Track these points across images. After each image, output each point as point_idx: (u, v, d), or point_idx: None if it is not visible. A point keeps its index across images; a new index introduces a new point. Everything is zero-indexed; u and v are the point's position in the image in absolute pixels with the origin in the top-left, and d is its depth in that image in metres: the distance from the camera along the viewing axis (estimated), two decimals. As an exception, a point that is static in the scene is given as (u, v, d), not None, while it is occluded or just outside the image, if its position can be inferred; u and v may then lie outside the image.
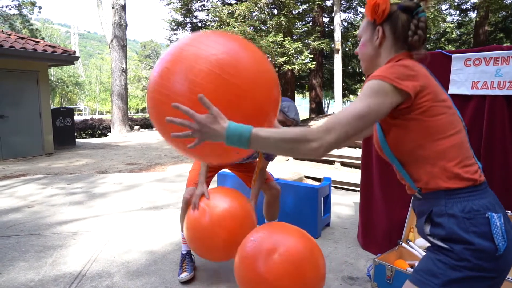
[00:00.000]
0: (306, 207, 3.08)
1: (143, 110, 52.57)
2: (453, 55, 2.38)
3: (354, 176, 5.40)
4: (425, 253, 1.03)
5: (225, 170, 2.82)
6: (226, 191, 2.26)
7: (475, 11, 13.62)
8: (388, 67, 0.97)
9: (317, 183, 5.79)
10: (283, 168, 6.48)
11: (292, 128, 0.95)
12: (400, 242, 2.42)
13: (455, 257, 0.91)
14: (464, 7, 14.72)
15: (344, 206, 4.12)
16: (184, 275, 2.27)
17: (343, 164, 6.47)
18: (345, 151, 6.71)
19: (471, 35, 15.43)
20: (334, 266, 2.53)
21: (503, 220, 0.92)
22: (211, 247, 2.07)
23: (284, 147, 0.94)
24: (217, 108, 0.99)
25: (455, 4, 13.94)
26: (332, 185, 4.85)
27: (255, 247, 1.72)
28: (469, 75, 2.32)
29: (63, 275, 2.40)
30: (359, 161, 6.05)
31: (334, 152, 6.67)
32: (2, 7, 21.22)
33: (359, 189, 3.14)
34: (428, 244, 1.03)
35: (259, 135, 0.94)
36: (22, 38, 8.33)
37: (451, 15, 15.34)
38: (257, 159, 2.47)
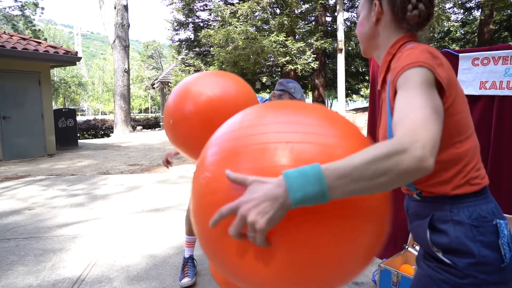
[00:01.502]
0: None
1: (146, 110, 52.69)
2: (460, 55, 2.31)
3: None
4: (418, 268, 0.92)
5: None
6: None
7: (480, 10, 13.50)
8: (419, 52, 0.80)
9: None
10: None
11: (371, 146, 0.64)
12: (406, 247, 2.36)
13: (460, 275, 0.82)
14: (469, 6, 14.59)
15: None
16: (186, 281, 2.22)
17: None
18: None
19: (475, 34, 15.30)
20: (338, 271, 2.47)
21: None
22: None
23: (377, 171, 0.60)
24: None
25: (459, 2, 13.83)
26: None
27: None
28: (477, 75, 2.25)
29: (62, 280, 2.36)
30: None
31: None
32: (5, 8, 21.29)
33: None
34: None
35: (334, 169, 0.60)
36: (24, 39, 8.32)
37: (455, 13, 15.21)
38: None
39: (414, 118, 0.68)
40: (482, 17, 12.74)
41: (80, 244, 2.97)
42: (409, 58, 0.80)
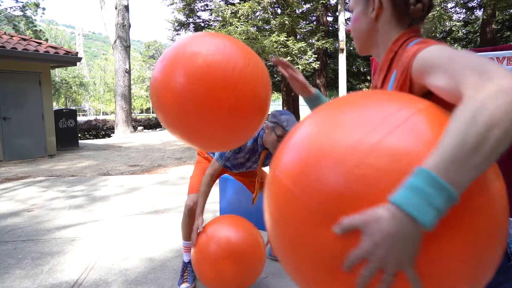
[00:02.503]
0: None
1: (147, 110, 52.77)
2: (464, 55, 2.27)
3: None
4: None
5: (226, 174, 2.74)
6: (230, 221, 2.10)
7: (482, 9, 13.43)
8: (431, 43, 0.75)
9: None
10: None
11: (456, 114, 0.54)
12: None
13: None
14: (471, 5, 14.53)
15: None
16: (185, 286, 2.18)
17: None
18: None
19: (478, 34, 15.24)
20: (340, 275, 2.43)
21: None
22: (218, 282, 1.97)
23: (481, 131, 0.50)
24: None
25: (462, 2, 13.76)
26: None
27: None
28: (481, 76, 2.21)
29: (59, 284, 2.33)
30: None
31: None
32: (6, 9, 21.33)
33: None
34: None
35: (439, 161, 0.52)
36: (25, 40, 8.31)
37: (457, 13, 15.14)
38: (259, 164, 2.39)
39: (472, 66, 0.58)
40: (485, 17, 12.68)
41: (78, 247, 2.93)
42: (419, 45, 0.75)
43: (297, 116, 13.28)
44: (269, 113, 2.08)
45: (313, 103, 1.24)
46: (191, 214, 2.23)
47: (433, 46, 0.71)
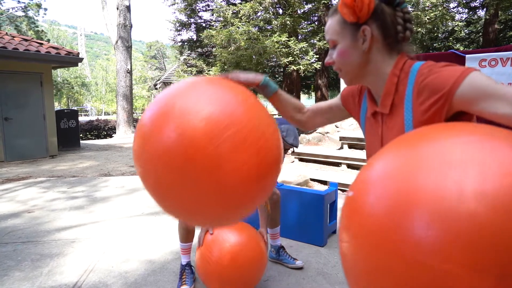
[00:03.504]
0: (311, 214, 2.97)
1: (149, 110, 52.70)
2: (467, 56, 2.24)
3: (361, 179, 5.26)
4: None
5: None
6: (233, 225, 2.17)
7: (484, 9, 13.37)
8: (451, 65, 0.81)
9: (323, 186, 5.67)
10: (288, 171, 6.36)
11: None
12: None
13: None
14: (473, 5, 14.46)
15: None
16: (184, 288, 2.17)
17: (349, 166, 6.33)
18: (352, 152, 6.58)
19: (480, 34, 15.16)
20: (341, 278, 2.41)
21: None
22: (222, 282, 2.02)
23: None
24: None
25: (464, 2, 13.70)
26: (338, 188, 4.73)
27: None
28: (485, 77, 2.18)
29: (58, 286, 2.31)
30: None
31: (340, 154, 6.54)
32: (8, 9, 21.38)
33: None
34: None
35: None
36: (26, 40, 8.31)
37: (460, 13, 15.07)
38: None
39: None
40: (487, 17, 12.61)
41: (78, 249, 2.92)
42: (452, 70, 0.79)
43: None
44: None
45: (263, 91, 1.17)
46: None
47: (474, 73, 0.76)
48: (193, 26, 12.36)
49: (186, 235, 2.26)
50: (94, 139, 15.12)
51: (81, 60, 8.89)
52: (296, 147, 1.97)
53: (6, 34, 8.29)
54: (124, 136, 14.89)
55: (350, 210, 0.66)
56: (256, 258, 2.04)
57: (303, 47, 9.14)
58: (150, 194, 1.01)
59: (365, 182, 0.64)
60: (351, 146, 7.07)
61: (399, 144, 0.66)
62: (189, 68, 12.57)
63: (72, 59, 8.54)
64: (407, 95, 0.86)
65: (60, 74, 37.81)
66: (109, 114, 47.54)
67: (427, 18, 8.64)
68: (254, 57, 9.02)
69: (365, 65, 0.92)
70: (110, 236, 3.21)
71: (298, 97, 13.80)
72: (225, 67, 10.09)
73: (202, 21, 12.52)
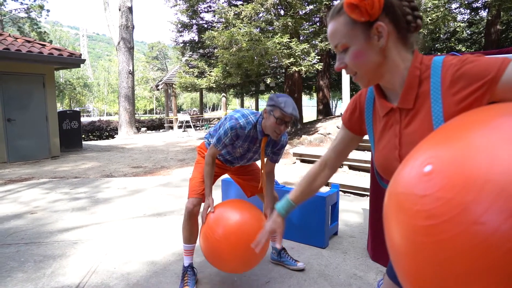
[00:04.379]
0: (313, 216, 2.97)
1: (151, 111, 52.88)
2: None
3: (363, 180, 5.26)
4: None
5: (228, 176, 2.74)
6: (238, 203, 2.19)
7: (487, 10, 13.34)
8: (488, 58, 0.78)
9: (324, 187, 5.67)
10: (289, 172, 6.36)
11: None
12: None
13: None
14: (475, 6, 14.43)
15: (353, 213, 4.00)
16: (186, 290, 2.18)
17: (351, 167, 6.33)
18: (353, 154, 6.57)
19: (482, 35, 15.13)
20: (343, 280, 2.41)
21: None
22: (223, 261, 2.06)
23: None
24: None
25: (466, 3, 13.68)
26: (339, 189, 4.72)
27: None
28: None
29: (61, 287, 2.32)
30: (368, 164, 5.92)
31: (342, 155, 6.53)
32: (10, 11, 21.47)
33: (368, 193, 3.01)
34: None
35: None
36: (29, 42, 8.35)
37: (462, 14, 15.05)
38: (259, 161, 2.38)
39: None
40: (489, 18, 12.58)
41: (81, 250, 2.93)
42: (491, 58, 0.77)
43: (300, 117, 13.24)
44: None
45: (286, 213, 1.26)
46: (192, 217, 2.24)
47: None
48: (195, 27, 12.37)
49: (190, 237, 2.27)
50: (96, 139, 15.16)
51: (83, 61, 8.92)
52: (297, 118, 1.98)
53: (9, 35, 8.32)
54: (126, 137, 14.92)
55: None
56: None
57: (305, 48, 9.14)
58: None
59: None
60: (352, 147, 7.05)
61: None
62: (191, 69, 12.58)
63: (74, 61, 8.57)
64: (433, 87, 0.84)
65: (62, 75, 37.92)
66: (111, 115, 47.64)
67: (429, 19, 8.62)
68: (255, 58, 9.02)
69: (382, 63, 0.88)
70: (112, 237, 3.23)
71: (300, 98, 13.80)
72: (227, 68, 10.10)
73: (204, 22, 12.53)
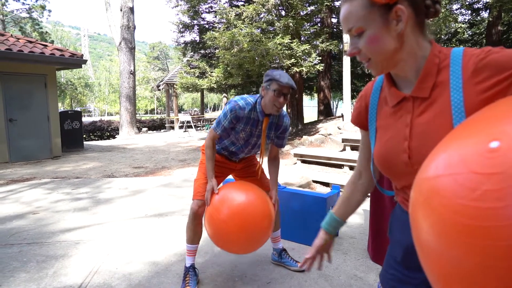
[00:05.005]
0: (313, 217, 2.98)
1: (152, 111, 52.92)
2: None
3: (363, 181, 5.27)
4: None
5: (231, 177, 2.75)
6: (242, 184, 2.21)
7: (488, 11, 13.34)
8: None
9: (325, 188, 5.68)
10: (290, 173, 6.38)
11: None
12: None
13: None
14: (476, 7, 14.43)
15: (353, 213, 4.00)
16: (187, 290, 2.19)
17: (352, 168, 6.34)
18: (354, 154, 6.59)
19: (483, 35, 15.13)
20: (343, 281, 2.43)
21: None
22: (229, 242, 2.07)
23: None
24: None
25: (467, 3, 13.68)
26: (340, 190, 4.74)
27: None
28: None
29: (64, 287, 2.34)
30: (369, 166, 5.94)
31: (343, 156, 6.55)
32: (12, 11, 21.53)
33: (368, 194, 3.02)
34: None
35: None
36: (31, 42, 8.37)
37: (463, 14, 15.06)
38: (259, 154, 2.40)
39: None
40: (490, 18, 12.58)
41: (83, 250, 2.95)
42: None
43: (301, 117, 13.24)
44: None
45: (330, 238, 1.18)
46: (196, 218, 2.25)
47: None
48: (196, 27, 12.39)
49: (194, 237, 2.29)
50: (97, 139, 15.20)
51: (85, 62, 8.95)
52: (294, 88, 2.02)
53: (11, 36, 8.35)
54: (127, 137, 14.95)
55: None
56: (263, 219, 2.05)
57: (306, 49, 9.15)
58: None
59: None
60: (353, 148, 7.08)
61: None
62: (192, 70, 12.60)
63: (76, 61, 8.60)
64: (453, 75, 0.80)
65: (63, 75, 37.98)
66: (112, 115, 47.69)
67: (430, 20, 8.64)
68: (256, 59, 9.03)
69: (398, 50, 0.83)
70: (114, 237, 3.24)
71: (301, 99, 13.81)
72: (228, 68, 10.12)
73: (205, 22, 12.56)
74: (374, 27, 0.81)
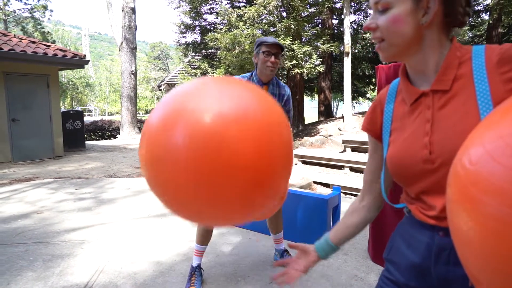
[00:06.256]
0: (314, 218, 3.03)
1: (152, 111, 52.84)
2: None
3: (364, 183, 5.32)
4: None
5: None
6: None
7: (488, 13, 13.39)
8: None
9: (326, 189, 5.73)
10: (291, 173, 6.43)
11: None
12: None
13: None
14: (477, 9, 14.48)
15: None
16: (192, 290, 2.24)
17: (352, 169, 6.40)
18: (355, 155, 6.64)
19: (484, 38, 15.18)
20: (344, 281, 2.48)
21: None
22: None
23: None
24: None
25: (467, 5, 13.71)
26: (341, 191, 4.78)
27: None
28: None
29: (70, 286, 2.39)
30: (369, 167, 5.98)
31: (343, 157, 6.60)
32: (14, 11, 21.59)
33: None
34: None
35: None
36: (34, 42, 8.43)
37: (463, 16, 15.09)
38: None
39: None
40: (491, 21, 12.63)
41: (88, 250, 3.00)
42: None
43: (302, 118, 13.29)
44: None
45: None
46: None
47: None
48: (197, 28, 12.44)
49: (203, 239, 2.33)
50: (98, 139, 15.24)
51: (87, 62, 9.00)
52: (281, 47, 2.15)
53: (14, 36, 8.41)
54: (128, 137, 15.00)
55: None
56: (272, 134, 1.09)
57: (307, 50, 9.20)
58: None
59: None
60: (354, 149, 7.12)
61: None
62: (194, 70, 12.65)
63: (78, 61, 8.65)
64: (476, 67, 0.79)
65: (64, 74, 38.03)
66: (113, 114, 47.73)
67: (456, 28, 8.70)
68: (258, 60, 9.08)
69: (414, 42, 0.81)
70: (118, 237, 3.29)
71: (301, 100, 13.85)
72: (229, 69, 10.17)
73: (207, 23, 12.60)
74: (401, 8, 0.79)
